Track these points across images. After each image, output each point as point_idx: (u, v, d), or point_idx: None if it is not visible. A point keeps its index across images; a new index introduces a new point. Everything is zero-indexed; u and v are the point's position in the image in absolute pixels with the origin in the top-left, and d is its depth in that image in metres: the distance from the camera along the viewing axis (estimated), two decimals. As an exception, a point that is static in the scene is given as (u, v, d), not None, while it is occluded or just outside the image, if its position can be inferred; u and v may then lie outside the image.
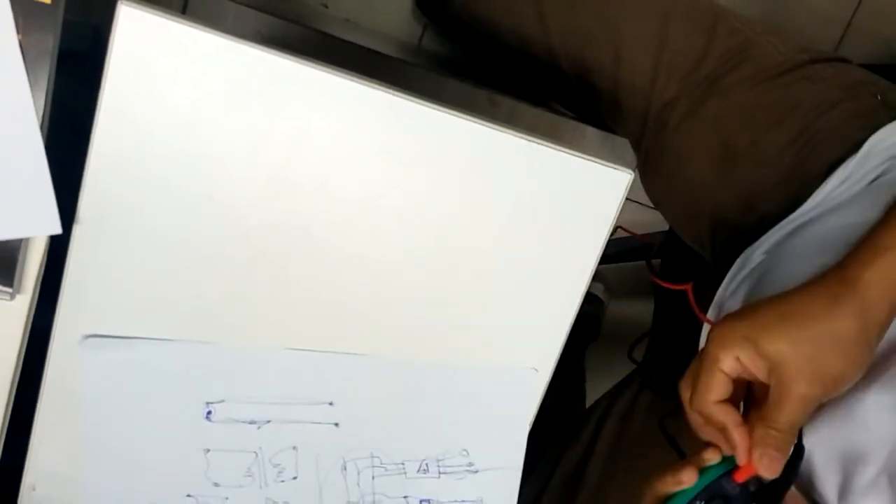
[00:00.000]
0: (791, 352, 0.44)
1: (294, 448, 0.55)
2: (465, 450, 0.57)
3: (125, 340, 0.48)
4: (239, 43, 0.45)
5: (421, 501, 0.57)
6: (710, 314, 0.60)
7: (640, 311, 0.96)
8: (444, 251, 0.50)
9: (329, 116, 0.47)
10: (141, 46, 0.44)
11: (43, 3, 0.43)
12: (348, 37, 0.69)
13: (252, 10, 0.69)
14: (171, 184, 0.47)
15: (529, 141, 0.48)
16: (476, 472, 0.57)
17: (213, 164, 0.46)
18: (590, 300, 0.85)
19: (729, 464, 0.46)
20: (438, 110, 0.47)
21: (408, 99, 0.47)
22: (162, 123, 0.45)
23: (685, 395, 0.48)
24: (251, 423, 0.52)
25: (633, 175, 0.50)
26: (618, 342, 0.88)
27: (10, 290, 0.46)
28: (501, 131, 0.48)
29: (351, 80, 0.46)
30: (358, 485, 0.56)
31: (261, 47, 0.45)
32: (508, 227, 0.50)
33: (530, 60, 0.69)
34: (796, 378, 0.44)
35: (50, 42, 0.44)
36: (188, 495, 0.53)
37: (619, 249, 1.02)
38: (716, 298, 0.60)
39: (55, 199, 0.45)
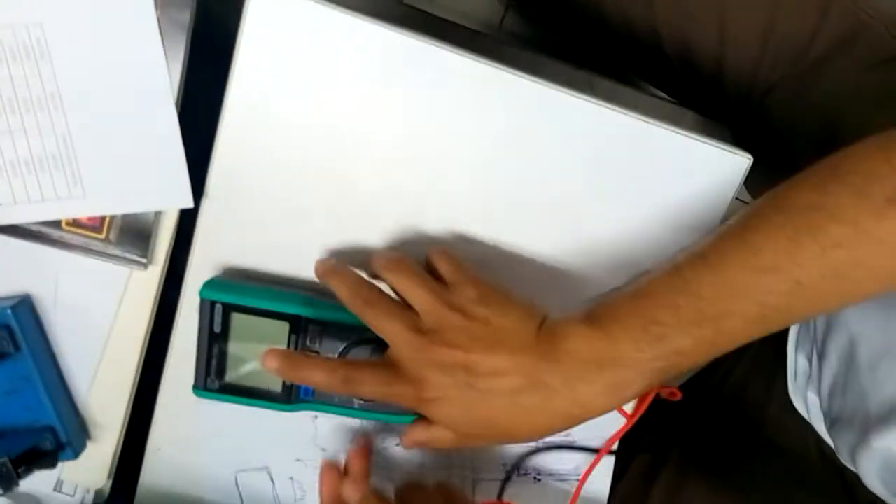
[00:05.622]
0: None
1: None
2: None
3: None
4: (365, 21, 0.46)
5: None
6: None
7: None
8: (558, 233, 0.51)
9: (450, 96, 0.47)
10: (270, 24, 0.45)
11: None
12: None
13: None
14: (294, 158, 0.48)
15: (648, 123, 0.48)
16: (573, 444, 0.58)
17: (334, 138, 0.48)
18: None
19: None
20: (564, 93, 0.48)
21: (534, 81, 0.47)
22: (287, 99, 0.47)
23: None
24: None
25: (751, 160, 0.49)
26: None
27: (144, 260, 0.49)
28: (623, 114, 0.48)
29: (470, 59, 0.47)
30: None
31: (388, 26, 0.46)
32: (625, 209, 0.51)
33: (630, 42, 0.68)
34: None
35: (186, 17, 0.45)
36: (297, 459, 0.55)
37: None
38: None
39: (188, 174, 0.48)
